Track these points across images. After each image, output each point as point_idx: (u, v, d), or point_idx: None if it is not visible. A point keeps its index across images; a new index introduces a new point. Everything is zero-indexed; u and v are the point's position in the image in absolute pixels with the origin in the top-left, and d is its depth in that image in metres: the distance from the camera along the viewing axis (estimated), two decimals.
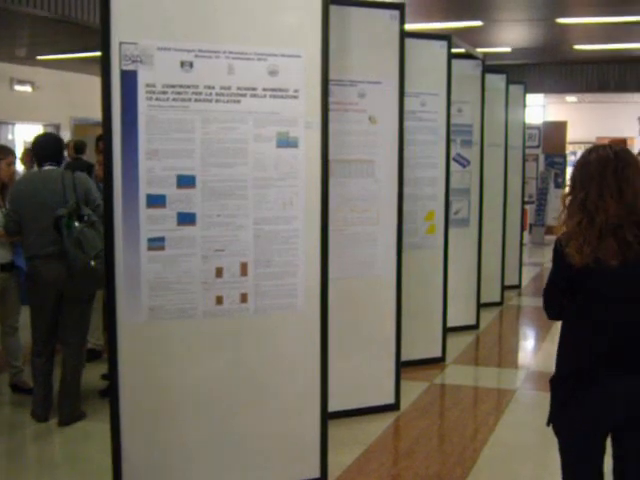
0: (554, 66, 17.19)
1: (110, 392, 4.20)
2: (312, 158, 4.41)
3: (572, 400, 3.23)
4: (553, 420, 3.33)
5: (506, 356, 8.67)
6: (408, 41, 6.13)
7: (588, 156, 3.21)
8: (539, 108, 21.35)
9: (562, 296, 3.30)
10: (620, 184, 3.10)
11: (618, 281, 3.13)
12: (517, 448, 5.51)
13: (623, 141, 18.07)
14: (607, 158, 3.14)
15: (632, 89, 15.98)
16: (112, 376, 4.14)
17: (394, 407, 6.13)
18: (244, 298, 4.32)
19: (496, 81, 9.73)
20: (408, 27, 5.98)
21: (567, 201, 3.22)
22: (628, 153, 3.20)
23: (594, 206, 3.10)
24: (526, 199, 16.19)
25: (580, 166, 3.21)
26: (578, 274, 3.16)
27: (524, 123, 11.31)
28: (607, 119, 20.00)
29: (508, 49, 15.37)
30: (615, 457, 3.33)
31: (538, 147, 18.94)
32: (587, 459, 3.30)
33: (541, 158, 18.81)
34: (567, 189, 3.25)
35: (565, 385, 3.27)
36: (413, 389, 6.67)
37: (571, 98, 21.35)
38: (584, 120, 20.78)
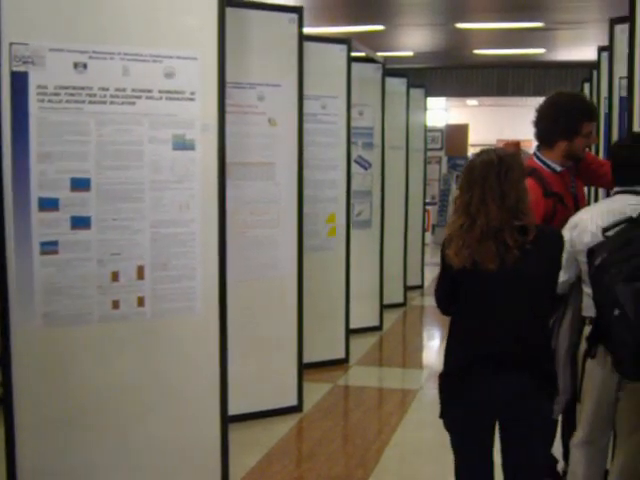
0: (455, 70, 17.46)
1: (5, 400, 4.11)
2: (209, 161, 4.39)
3: (457, 397, 3.31)
4: (442, 416, 3.39)
5: (409, 356, 8.80)
6: (308, 44, 6.18)
7: (474, 160, 3.26)
8: (442, 111, 21.66)
9: (448, 296, 3.38)
10: (502, 188, 3.15)
11: (496, 284, 3.21)
12: (419, 447, 5.59)
13: (517, 143, 18.41)
14: (491, 162, 3.19)
15: (529, 93, 16.34)
16: (6, 384, 4.04)
17: (297, 409, 6.15)
18: (141, 302, 4.27)
19: (397, 84, 9.87)
20: (310, 31, 6.02)
21: (455, 203, 3.29)
22: (513, 158, 3.26)
23: (476, 209, 3.16)
24: (429, 200, 16.43)
25: (467, 170, 3.27)
26: (457, 276, 3.24)
27: (425, 126, 11.46)
28: (507, 122, 20.41)
29: (410, 53, 15.55)
30: (503, 450, 3.39)
31: (441, 149, 19.22)
32: (476, 453, 3.39)
33: (444, 160, 19.09)
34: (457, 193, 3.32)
35: (451, 382, 3.34)
36: (316, 391, 6.70)
37: (472, 101, 21.72)
38: (485, 123, 21.17)
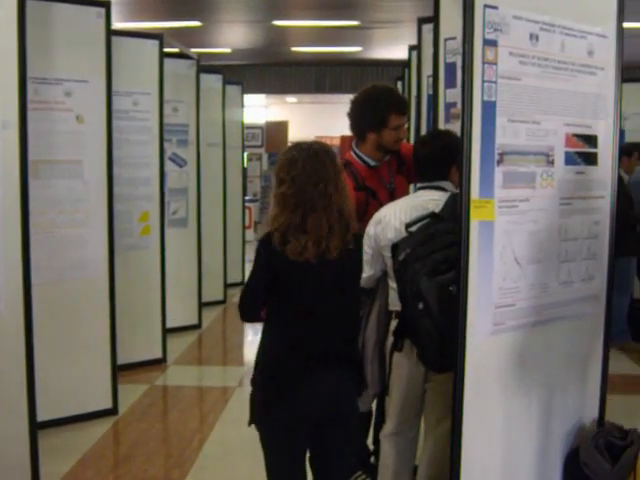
0: (273, 67, 17.54)
1: None
2: (10, 159, 4.23)
3: (276, 401, 3.22)
4: (256, 421, 3.30)
5: (228, 354, 8.80)
6: (118, 40, 6.08)
7: (294, 152, 3.20)
8: (261, 108, 21.76)
9: (263, 295, 3.25)
10: (330, 178, 3.16)
11: (318, 277, 3.18)
12: (235, 445, 5.55)
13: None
14: (316, 153, 3.18)
15: (346, 90, 16.55)
16: None
17: (112, 412, 6.03)
18: None
19: (212, 81, 9.81)
20: (124, 26, 5.92)
21: (278, 198, 3.19)
22: (332, 150, 3.29)
23: (304, 200, 3.13)
24: (250, 197, 16.47)
25: (288, 162, 3.18)
26: (282, 271, 3.16)
27: (242, 123, 11.46)
28: (325, 119, 20.70)
29: (228, 50, 15.51)
30: (314, 450, 3.39)
31: (261, 146, 19.32)
32: (292, 456, 3.33)
33: (264, 157, 19.21)
34: (277, 187, 3.22)
35: (268, 386, 3.25)
36: (132, 392, 6.58)
37: (291, 99, 21.91)
38: (305, 119, 21.38)
